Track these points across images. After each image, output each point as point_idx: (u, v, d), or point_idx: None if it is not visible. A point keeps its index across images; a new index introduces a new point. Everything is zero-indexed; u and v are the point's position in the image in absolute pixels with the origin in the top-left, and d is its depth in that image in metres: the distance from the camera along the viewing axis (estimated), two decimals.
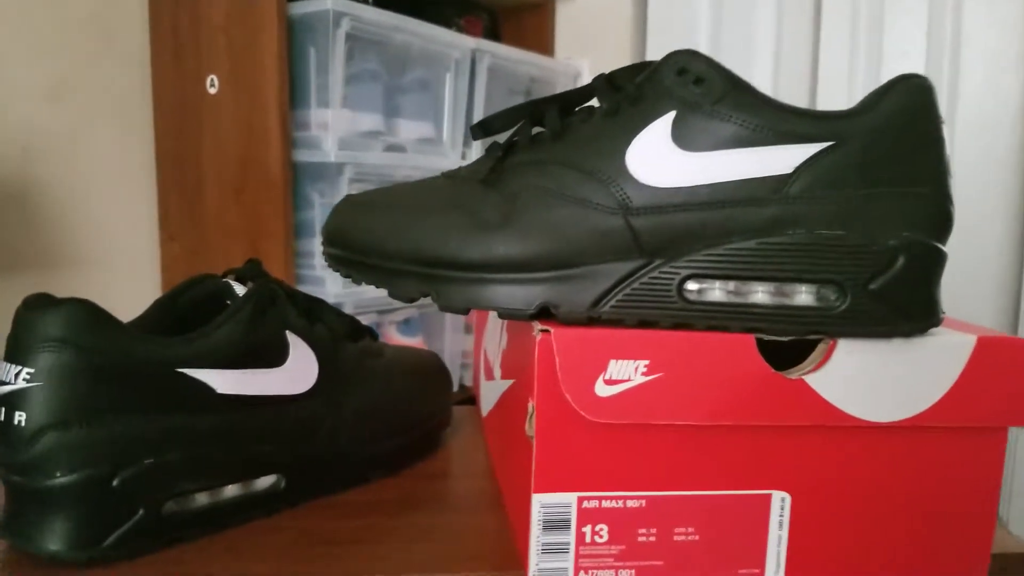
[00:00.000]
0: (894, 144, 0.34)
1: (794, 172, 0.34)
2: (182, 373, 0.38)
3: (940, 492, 0.37)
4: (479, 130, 0.40)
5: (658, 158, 0.35)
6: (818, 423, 0.35)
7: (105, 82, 1.21)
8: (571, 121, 0.38)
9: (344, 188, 1.08)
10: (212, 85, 1.16)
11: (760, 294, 0.35)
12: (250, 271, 0.46)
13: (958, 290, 1.42)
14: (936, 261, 0.35)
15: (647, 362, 0.34)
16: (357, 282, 0.39)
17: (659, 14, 1.51)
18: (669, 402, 0.34)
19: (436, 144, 1.25)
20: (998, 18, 1.35)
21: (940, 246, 0.35)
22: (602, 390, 0.34)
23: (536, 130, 0.40)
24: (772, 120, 0.34)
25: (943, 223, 0.35)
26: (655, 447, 0.35)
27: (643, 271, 0.35)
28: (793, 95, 1.45)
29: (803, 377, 0.35)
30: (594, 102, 0.38)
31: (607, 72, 0.39)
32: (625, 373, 0.34)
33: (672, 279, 0.35)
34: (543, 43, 1.56)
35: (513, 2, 1.56)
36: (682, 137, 0.35)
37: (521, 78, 1.42)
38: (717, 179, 0.34)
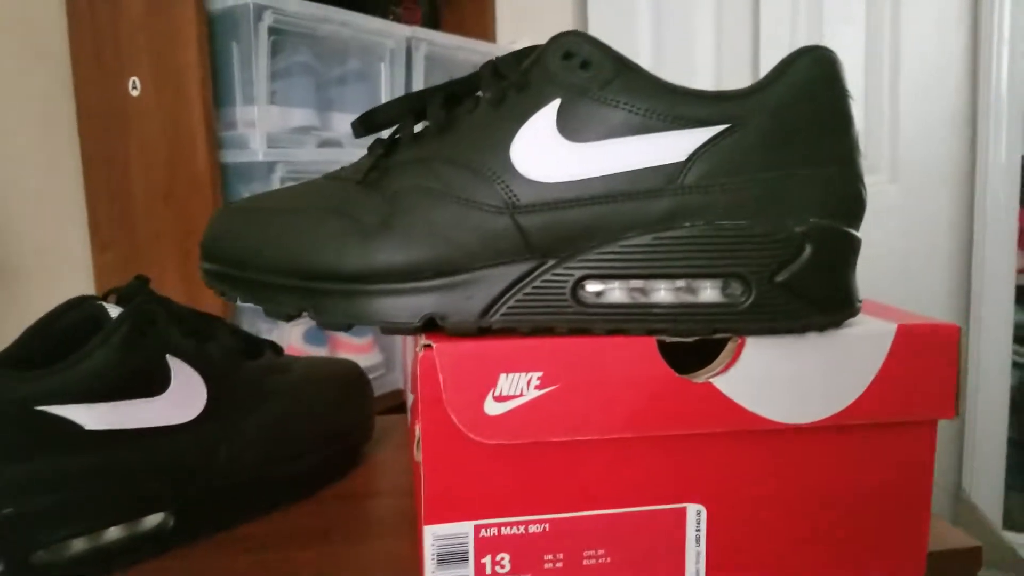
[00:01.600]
0: (797, 123, 0.32)
1: (688, 159, 0.31)
2: (42, 411, 0.35)
3: (868, 493, 0.35)
4: (360, 127, 0.36)
5: (544, 151, 0.32)
6: (730, 428, 0.33)
7: (26, 84, 1.15)
8: (457, 113, 0.35)
9: (277, 187, 1.04)
10: (134, 87, 1.11)
11: (662, 292, 0.32)
12: (133, 290, 0.43)
13: (908, 261, 1.41)
14: (848, 247, 0.32)
15: (540, 374, 0.31)
16: (232, 300, 0.36)
17: None
18: (566, 416, 0.32)
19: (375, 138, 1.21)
20: None
21: (852, 231, 0.32)
22: (492, 408, 0.31)
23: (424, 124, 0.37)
24: (663, 104, 0.31)
25: (854, 206, 0.32)
26: (555, 466, 0.33)
27: (534, 274, 0.32)
28: (735, 62, 1.43)
29: (710, 380, 0.32)
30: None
31: (494, 58, 0.36)
32: (517, 388, 0.31)
33: (566, 281, 0.32)
34: (484, 28, 1.52)
35: None
36: (569, 127, 0.32)
37: (462, 65, 1.39)
38: (608, 171, 0.32)
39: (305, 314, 0.34)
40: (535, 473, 0.33)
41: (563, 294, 0.32)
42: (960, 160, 1.38)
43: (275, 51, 1.05)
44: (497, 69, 0.35)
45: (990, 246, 1.35)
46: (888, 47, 1.35)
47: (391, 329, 0.33)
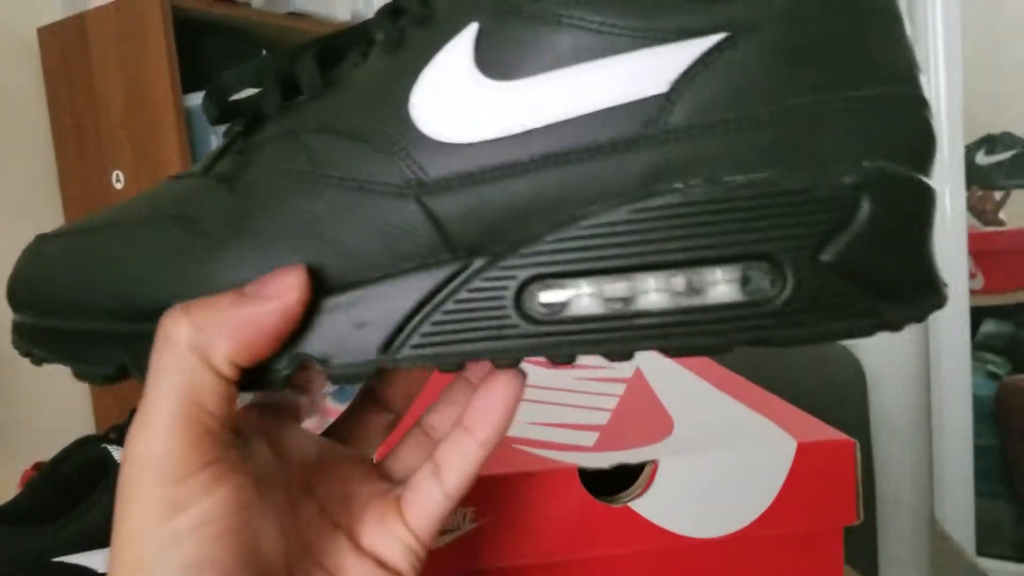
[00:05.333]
0: (828, 26, 0.18)
1: (672, 89, 0.18)
2: (59, 562, 0.30)
3: None
4: (212, 105, 0.22)
5: (456, 97, 0.18)
6: (649, 547, 0.29)
7: (10, 179, 1.03)
8: (339, 70, 0.21)
9: None
10: (118, 180, 0.99)
11: (651, 294, 0.18)
12: None
13: None
14: (922, 200, 0.18)
15: (474, 508, 0.27)
16: (37, 362, 0.22)
17: None
18: (498, 546, 0.27)
19: None
20: None
21: (922, 177, 0.18)
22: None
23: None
24: (628, 12, 0.18)
25: (922, 140, 0.18)
26: None
27: (457, 281, 0.18)
28: None
29: (628, 504, 0.28)
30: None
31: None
32: (454, 522, 0.27)
33: (504, 288, 0.18)
34: None
35: None
36: (491, 58, 0.18)
37: None
38: (554, 117, 0.18)
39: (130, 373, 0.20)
40: None
41: (502, 307, 0.18)
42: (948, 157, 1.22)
43: None
44: (397, 6, 0.21)
45: (941, 259, 1.20)
46: None
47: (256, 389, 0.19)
